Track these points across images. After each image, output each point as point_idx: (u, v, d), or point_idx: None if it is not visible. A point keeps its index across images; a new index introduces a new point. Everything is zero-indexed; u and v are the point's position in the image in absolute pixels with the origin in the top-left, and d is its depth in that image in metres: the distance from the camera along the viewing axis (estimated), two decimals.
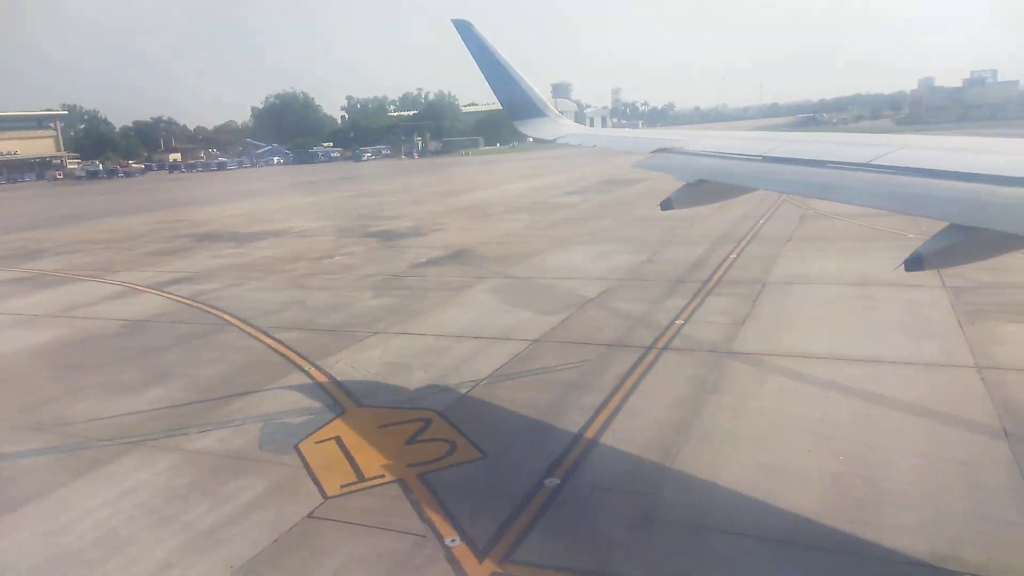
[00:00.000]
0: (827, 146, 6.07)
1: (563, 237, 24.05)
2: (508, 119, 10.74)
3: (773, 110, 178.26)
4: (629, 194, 36.32)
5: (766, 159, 5.98)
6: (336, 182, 62.75)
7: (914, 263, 4.13)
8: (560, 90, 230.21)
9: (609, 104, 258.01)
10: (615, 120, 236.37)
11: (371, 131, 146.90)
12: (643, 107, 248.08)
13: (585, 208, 31.72)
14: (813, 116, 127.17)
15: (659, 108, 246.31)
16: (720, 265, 17.84)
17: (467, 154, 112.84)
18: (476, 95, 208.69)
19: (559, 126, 10.21)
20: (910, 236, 19.65)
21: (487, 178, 55.02)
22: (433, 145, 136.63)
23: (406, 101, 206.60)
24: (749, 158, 6.24)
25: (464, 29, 10.06)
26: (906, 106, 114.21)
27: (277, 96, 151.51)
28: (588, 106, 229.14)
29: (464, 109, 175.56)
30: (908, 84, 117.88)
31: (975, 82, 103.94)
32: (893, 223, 21.69)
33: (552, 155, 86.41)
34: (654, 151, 7.58)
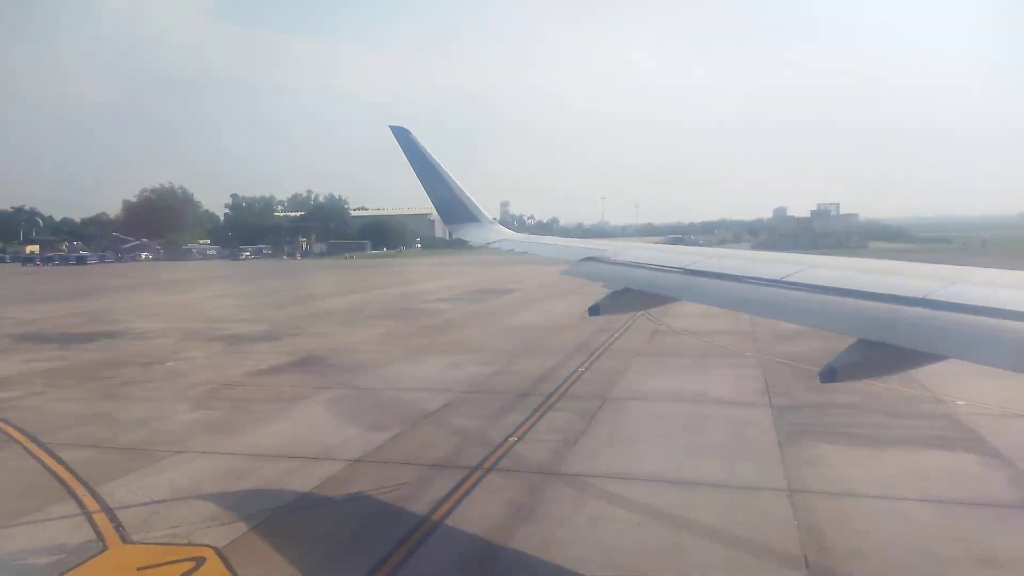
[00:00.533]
0: (744, 262, 6.28)
1: (422, 346, 23.43)
2: (444, 222, 11.09)
3: (649, 229, 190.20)
4: (500, 304, 36.53)
5: (688, 272, 6.20)
6: (200, 281, 59.67)
7: (828, 375, 4.25)
8: None
9: (498, 216, 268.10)
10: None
11: (254, 230, 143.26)
12: (529, 220, 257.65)
13: (452, 316, 31.44)
14: (682, 236, 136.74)
15: (544, 222, 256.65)
16: (568, 378, 17.73)
17: (351, 257, 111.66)
18: (367, 199, 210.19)
19: (491, 231, 10.46)
20: (747, 355, 20.56)
21: (361, 283, 54.10)
22: (318, 247, 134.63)
23: (295, 202, 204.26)
24: (672, 270, 6.43)
25: (402, 135, 10.30)
26: (763, 232, 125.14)
27: (153, 190, 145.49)
28: None
29: (353, 213, 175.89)
30: (766, 211, 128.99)
31: (821, 214, 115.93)
32: (735, 341, 22.71)
33: (436, 262, 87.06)
34: (582, 259, 7.83)
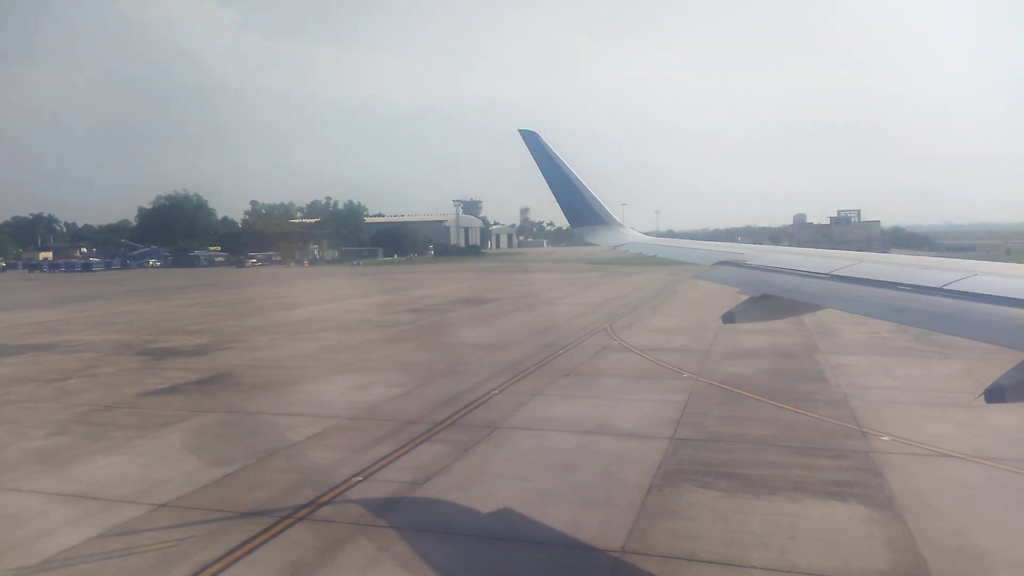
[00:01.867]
0: (899, 268, 5.75)
1: (345, 362, 22.14)
2: (570, 224, 10.95)
3: (672, 235, 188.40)
4: (465, 315, 35.17)
5: (834, 278, 5.86)
6: (191, 288, 59.14)
7: (995, 394, 3.94)
8: (470, 207, 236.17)
9: (518, 222, 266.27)
10: (522, 237, 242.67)
11: (267, 237, 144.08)
12: (549, 227, 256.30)
13: (402, 330, 30.14)
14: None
15: (564, 229, 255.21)
16: (473, 403, 16.29)
17: (358, 264, 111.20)
18: (385, 206, 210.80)
19: (619, 234, 10.40)
20: (685, 375, 18.92)
21: (348, 291, 53.03)
22: (330, 254, 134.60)
23: (314, 209, 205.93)
24: (818, 276, 6.08)
25: (531, 139, 10.25)
26: (784, 239, 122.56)
27: (167, 197, 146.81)
28: (495, 223, 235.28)
29: (368, 220, 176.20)
30: (789, 219, 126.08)
31: (841, 221, 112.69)
32: (683, 360, 21.05)
33: (441, 269, 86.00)
34: (716, 263, 7.52)
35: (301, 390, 18.32)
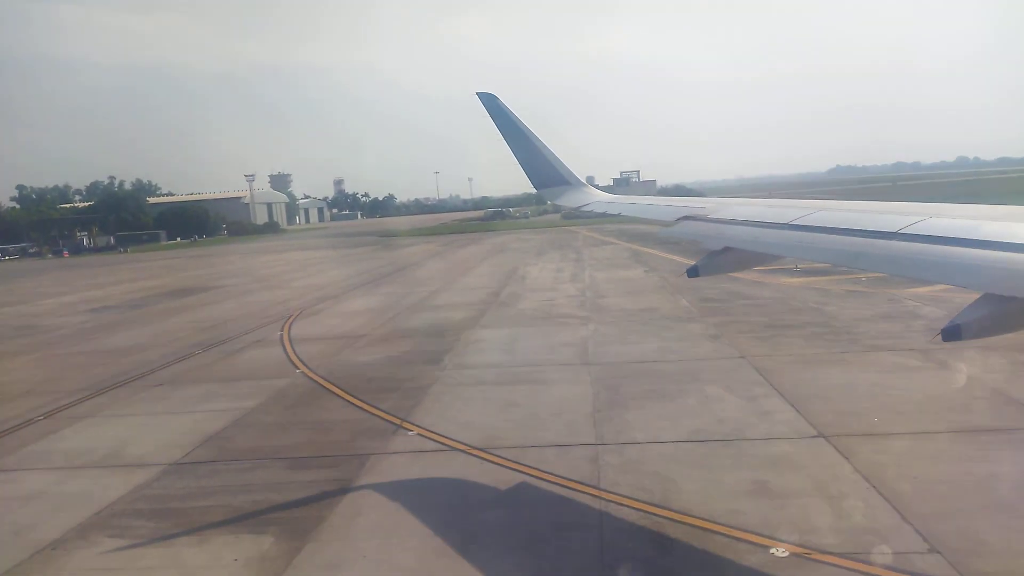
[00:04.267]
0: (856, 215, 5.78)
1: None
2: (535, 188, 10.88)
3: (483, 203, 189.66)
4: (155, 311, 31.50)
5: (792, 227, 5.95)
6: None
7: (952, 333, 3.97)
8: (279, 181, 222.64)
9: (332, 195, 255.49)
10: (335, 211, 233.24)
11: (31, 225, 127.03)
12: (364, 198, 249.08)
13: (62, 334, 26.14)
14: (500, 210, 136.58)
15: (380, 199, 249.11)
16: None
17: (127, 251, 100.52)
18: (192, 184, 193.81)
19: (583, 194, 10.47)
20: (297, 371, 17.21)
21: (50, 289, 46.53)
22: (103, 240, 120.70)
23: (95, 191, 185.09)
24: (776, 226, 6.19)
25: (489, 101, 10.19)
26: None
27: None
28: (306, 196, 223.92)
29: (154, 200, 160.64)
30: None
31: (622, 181, 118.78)
32: (318, 351, 19.35)
33: (210, 252, 79.20)
34: (680, 219, 7.61)
35: None
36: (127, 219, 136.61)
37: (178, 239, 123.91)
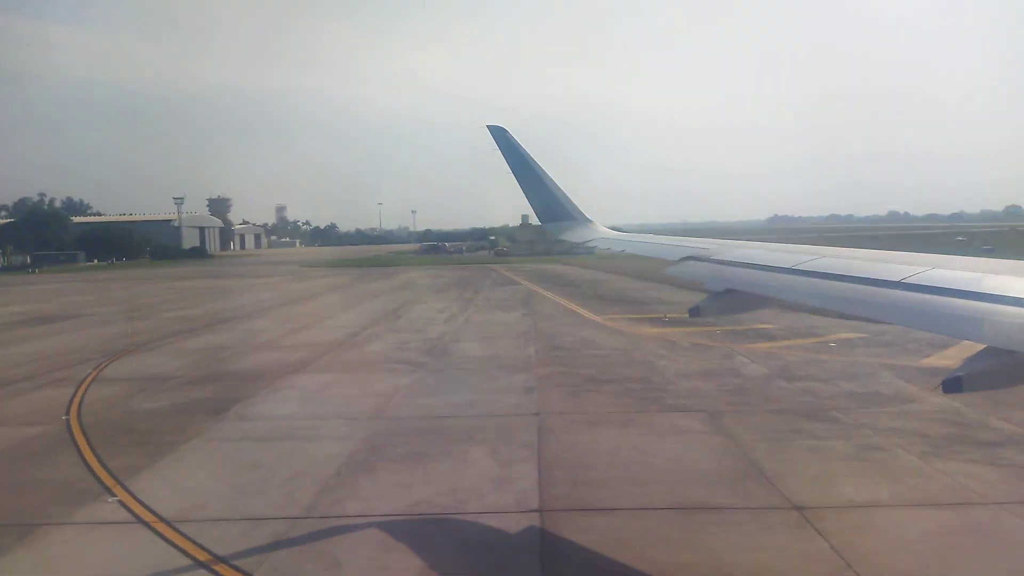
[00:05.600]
0: (859, 262, 5.87)
1: None
2: (541, 221, 10.98)
3: (425, 235, 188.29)
4: None
5: (797, 272, 5.99)
6: None
7: (952, 385, 4.02)
8: (217, 205, 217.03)
9: (274, 220, 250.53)
10: (273, 238, 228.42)
11: None
12: (305, 226, 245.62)
13: None
14: (436, 244, 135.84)
15: (321, 228, 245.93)
16: None
17: (34, 272, 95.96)
18: (134, 205, 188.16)
19: (588, 230, 10.52)
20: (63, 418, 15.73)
21: None
22: (16, 259, 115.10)
23: (22, 208, 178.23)
24: (780, 270, 6.24)
25: (499, 134, 10.32)
26: (505, 240, 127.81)
27: None
28: (245, 222, 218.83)
29: (80, 220, 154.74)
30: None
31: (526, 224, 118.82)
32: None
33: (100, 279, 75.78)
34: (683, 258, 7.67)
35: None
36: (48, 238, 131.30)
37: (96, 261, 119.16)
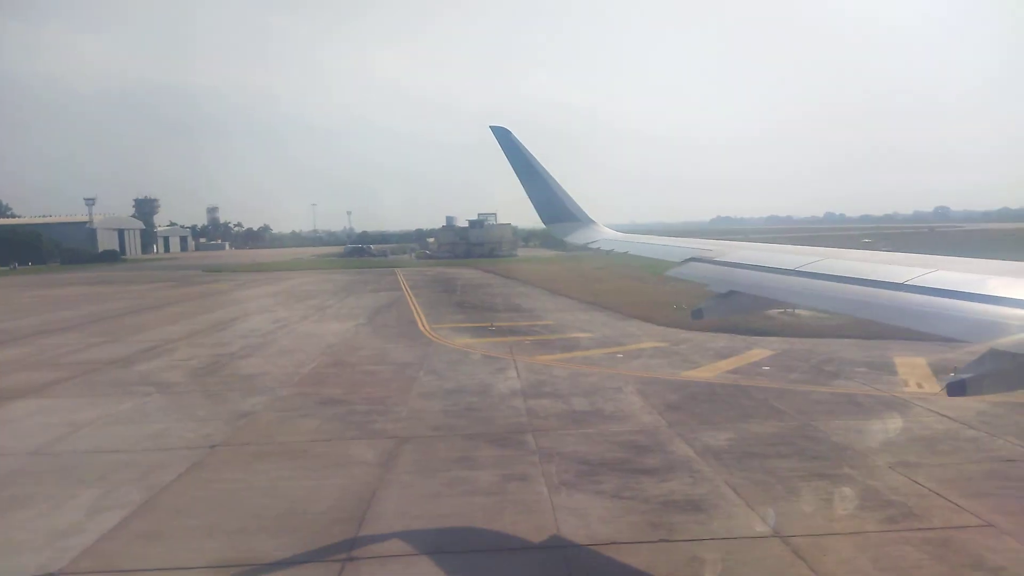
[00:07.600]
0: (863, 264, 5.93)
1: None
2: (544, 223, 10.78)
3: (361, 237, 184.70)
4: None
5: (798, 273, 5.98)
6: None
7: (957, 388, 3.95)
8: (144, 206, 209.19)
9: (206, 222, 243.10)
10: (203, 240, 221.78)
11: None
12: (236, 228, 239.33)
13: None
14: (360, 247, 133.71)
15: (255, 229, 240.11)
16: None
17: None
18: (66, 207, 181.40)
19: (591, 231, 10.48)
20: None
21: None
22: None
23: None
24: (783, 272, 6.20)
25: (502, 135, 10.22)
26: (434, 238, 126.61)
27: None
28: (172, 224, 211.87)
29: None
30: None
31: (476, 224, 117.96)
32: None
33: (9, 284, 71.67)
34: (687, 260, 7.65)
35: None
36: None
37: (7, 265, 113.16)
